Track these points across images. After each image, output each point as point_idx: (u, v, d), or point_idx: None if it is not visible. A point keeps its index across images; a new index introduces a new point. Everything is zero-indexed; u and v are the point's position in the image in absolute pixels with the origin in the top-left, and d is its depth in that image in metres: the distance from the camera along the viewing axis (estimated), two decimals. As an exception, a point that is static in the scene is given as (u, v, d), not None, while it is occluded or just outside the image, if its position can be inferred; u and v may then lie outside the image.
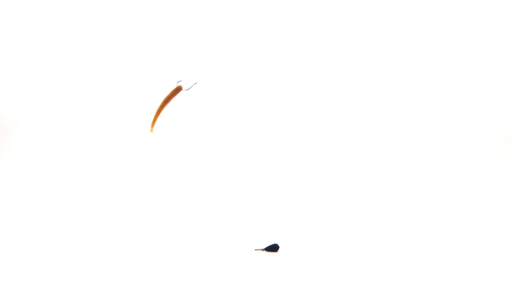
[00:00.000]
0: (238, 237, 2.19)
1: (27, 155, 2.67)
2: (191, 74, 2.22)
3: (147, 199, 2.50)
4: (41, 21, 2.72)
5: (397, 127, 2.77)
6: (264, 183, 2.58)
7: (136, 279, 1.83)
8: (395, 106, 2.78)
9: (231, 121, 2.78)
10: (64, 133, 2.73)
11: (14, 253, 2.03)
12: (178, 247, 2.10)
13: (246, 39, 2.76)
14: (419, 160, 2.67)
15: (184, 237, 2.19)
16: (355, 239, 2.17)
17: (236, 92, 2.80)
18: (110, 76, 2.79)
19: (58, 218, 2.33)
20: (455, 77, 2.77)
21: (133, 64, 2.78)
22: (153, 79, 2.80)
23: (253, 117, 2.78)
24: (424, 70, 2.77)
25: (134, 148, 2.70)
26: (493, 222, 2.30)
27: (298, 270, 1.90)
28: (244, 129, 2.77)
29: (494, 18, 2.67)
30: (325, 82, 2.79)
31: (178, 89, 2.05)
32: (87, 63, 2.77)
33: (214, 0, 2.71)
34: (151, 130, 2.06)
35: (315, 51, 2.76)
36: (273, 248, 2.07)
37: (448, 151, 2.71)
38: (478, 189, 2.53)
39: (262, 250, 2.07)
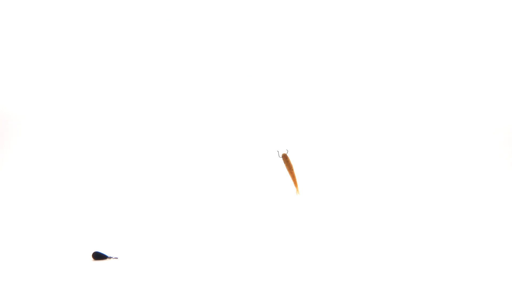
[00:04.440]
0: (237, 238, 2.19)
1: (27, 155, 2.67)
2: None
3: (147, 199, 2.50)
4: (41, 21, 2.72)
5: (397, 127, 2.77)
6: (263, 184, 2.58)
7: (135, 279, 1.83)
8: (395, 107, 2.79)
9: (230, 121, 2.78)
10: (64, 133, 2.73)
11: (14, 253, 2.03)
12: (178, 247, 2.10)
13: (247, 40, 2.76)
14: (418, 160, 2.67)
15: (185, 238, 2.19)
16: (354, 239, 2.17)
17: (235, 93, 2.80)
18: (111, 76, 2.79)
19: (58, 218, 2.34)
20: (455, 77, 2.77)
21: (133, 64, 2.78)
22: (153, 79, 2.80)
23: (251, 117, 2.78)
24: (424, 70, 2.77)
25: (134, 149, 2.70)
26: (493, 222, 2.31)
27: (297, 270, 1.90)
28: (243, 129, 2.77)
29: (494, 18, 2.67)
30: (325, 83, 2.79)
31: (285, 157, 2.19)
32: (87, 63, 2.77)
33: (214, 1, 2.71)
34: (298, 193, 2.18)
35: (316, 52, 2.77)
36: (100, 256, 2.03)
37: (448, 151, 2.71)
38: (478, 188, 2.53)
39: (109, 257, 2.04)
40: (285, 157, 2.18)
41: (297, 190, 2.16)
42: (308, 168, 2.50)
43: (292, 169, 2.17)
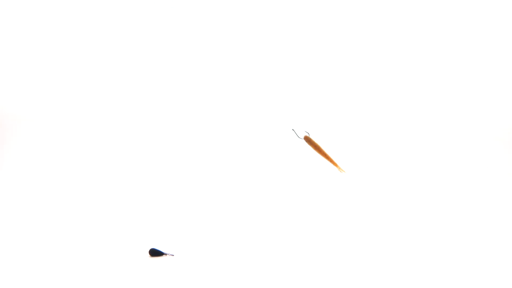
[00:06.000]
0: (236, 238, 2.19)
1: (27, 155, 2.67)
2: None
3: (146, 199, 2.50)
4: (41, 21, 2.72)
5: (397, 128, 2.77)
6: (262, 186, 2.58)
7: (134, 278, 1.83)
8: (395, 108, 2.79)
9: (230, 122, 2.79)
10: (64, 133, 2.73)
11: (14, 253, 2.03)
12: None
13: (247, 39, 2.76)
14: (418, 161, 2.68)
15: (182, 238, 2.19)
16: (353, 241, 2.17)
17: (235, 93, 2.80)
18: (110, 76, 2.79)
19: (58, 218, 2.33)
20: (455, 78, 2.78)
21: (133, 64, 2.78)
22: (153, 79, 2.80)
23: (252, 117, 2.78)
24: (424, 71, 2.77)
25: (134, 148, 2.71)
26: (493, 222, 2.31)
27: (295, 270, 1.90)
28: (243, 131, 2.77)
29: (494, 18, 2.68)
30: (324, 83, 2.80)
31: (308, 139, 2.12)
32: (87, 63, 2.77)
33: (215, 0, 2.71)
34: (341, 170, 2.11)
35: (316, 52, 2.77)
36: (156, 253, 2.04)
37: (449, 152, 2.71)
38: (479, 189, 2.54)
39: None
40: (308, 139, 2.09)
41: (339, 167, 2.08)
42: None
43: (321, 149, 2.07)
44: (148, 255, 2.02)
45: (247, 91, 2.80)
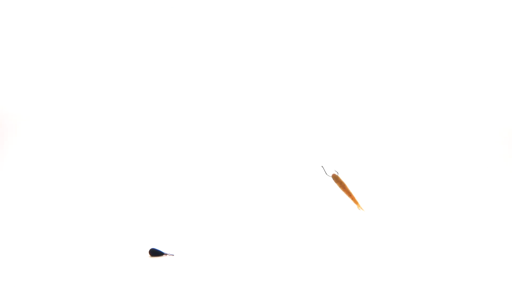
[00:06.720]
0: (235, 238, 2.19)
1: (27, 155, 2.67)
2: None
3: (146, 199, 2.50)
4: (41, 21, 2.72)
5: (397, 127, 2.77)
6: (261, 186, 2.58)
7: (134, 278, 1.83)
8: (395, 107, 2.79)
9: (230, 123, 2.78)
10: (64, 133, 2.73)
11: (14, 253, 2.03)
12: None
13: (247, 39, 2.76)
14: (418, 161, 2.68)
15: (181, 238, 2.19)
16: (353, 241, 2.17)
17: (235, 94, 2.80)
18: (110, 76, 2.79)
19: (58, 218, 2.33)
20: (455, 78, 2.78)
21: (133, 64, 2.78)
22: (153, 79, 2.80)
23: (252, 118, 2.78)
24: (424, 70, 2.77)
25: (134, 149, 2.70)
26: (493, 222, 2.31)
27: (293, 270, 1.90)
28: (243, 131, 2.77)
29: (494, 18, 2.68)
30: (324, 83, 2.79)
31: (336, 177, 2.16)
32: (87, 63, 2.77)
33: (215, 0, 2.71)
34: (360, 208, 2.14)
35: (316, 52, 2.77)
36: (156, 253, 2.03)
37: (449, 152, 2.71)
38: (479, 189, 2.53)
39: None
40: (335, 178, 2.14)
41: (359, 205, 2.12)
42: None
43: (346, 187, 2.13)
44: (148, 255, 2.02)
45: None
